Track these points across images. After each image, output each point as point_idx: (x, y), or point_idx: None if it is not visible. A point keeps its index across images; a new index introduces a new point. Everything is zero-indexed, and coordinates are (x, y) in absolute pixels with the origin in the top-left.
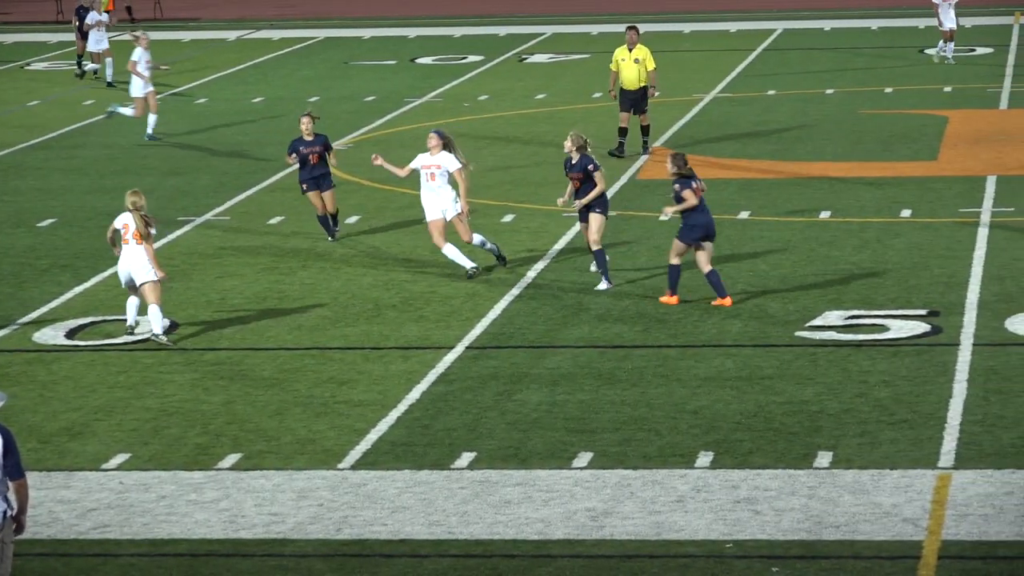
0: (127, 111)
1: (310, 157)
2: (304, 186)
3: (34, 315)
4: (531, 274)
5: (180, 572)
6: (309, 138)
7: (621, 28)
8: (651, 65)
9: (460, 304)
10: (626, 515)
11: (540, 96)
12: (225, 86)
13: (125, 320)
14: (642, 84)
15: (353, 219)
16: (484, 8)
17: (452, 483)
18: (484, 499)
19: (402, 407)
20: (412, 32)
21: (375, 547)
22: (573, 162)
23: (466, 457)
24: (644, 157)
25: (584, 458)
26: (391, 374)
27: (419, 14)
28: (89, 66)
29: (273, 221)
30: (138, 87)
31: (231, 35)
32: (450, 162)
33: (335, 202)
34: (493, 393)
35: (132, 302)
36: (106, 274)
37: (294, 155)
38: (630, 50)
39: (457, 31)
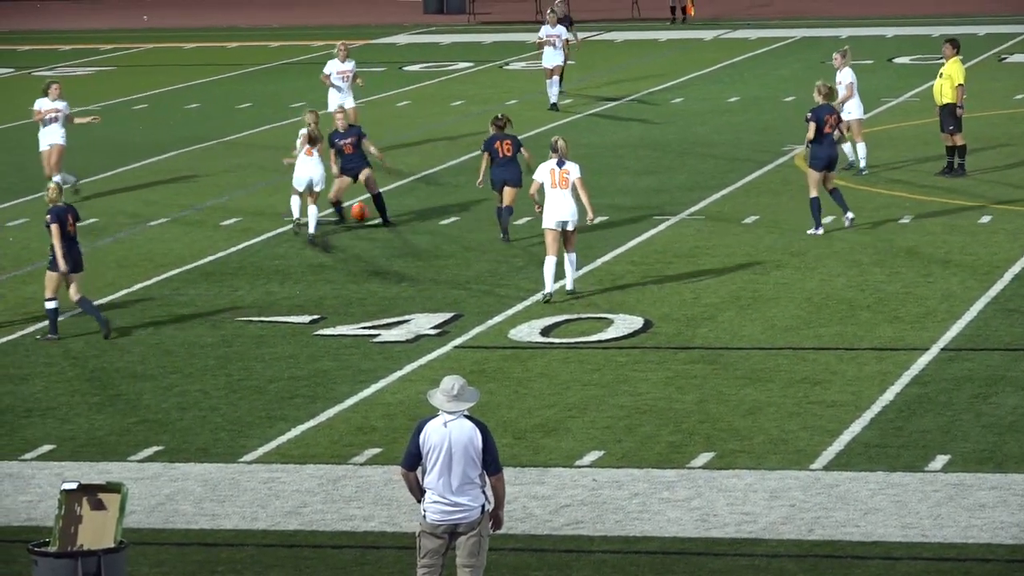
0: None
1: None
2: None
3: (510, 312)
4: (1007, 276)
5: (652, 570)
6: None
7: None
8: (957, 80)
9: (935, 305)
10: None
11: (1018, 96)
12: (701, 85)
13: (597, 318)
14: (945, 101)
15: (828, 219)
16: (964, 7)
17: (926, 485)
18: (958, 502)
19: (876, 408)
20: (890, 32)
21: (847, 549)
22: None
23: (940, 460)
24: None
25: None
26: (865, 375)
27: (897, 13)
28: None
29: (748, 220)
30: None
31: (708, 35)
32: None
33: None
34: (968, 396)
35: (297, 201)
36: (581, 272)
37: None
38: (944, 64)
39: (935, 31)
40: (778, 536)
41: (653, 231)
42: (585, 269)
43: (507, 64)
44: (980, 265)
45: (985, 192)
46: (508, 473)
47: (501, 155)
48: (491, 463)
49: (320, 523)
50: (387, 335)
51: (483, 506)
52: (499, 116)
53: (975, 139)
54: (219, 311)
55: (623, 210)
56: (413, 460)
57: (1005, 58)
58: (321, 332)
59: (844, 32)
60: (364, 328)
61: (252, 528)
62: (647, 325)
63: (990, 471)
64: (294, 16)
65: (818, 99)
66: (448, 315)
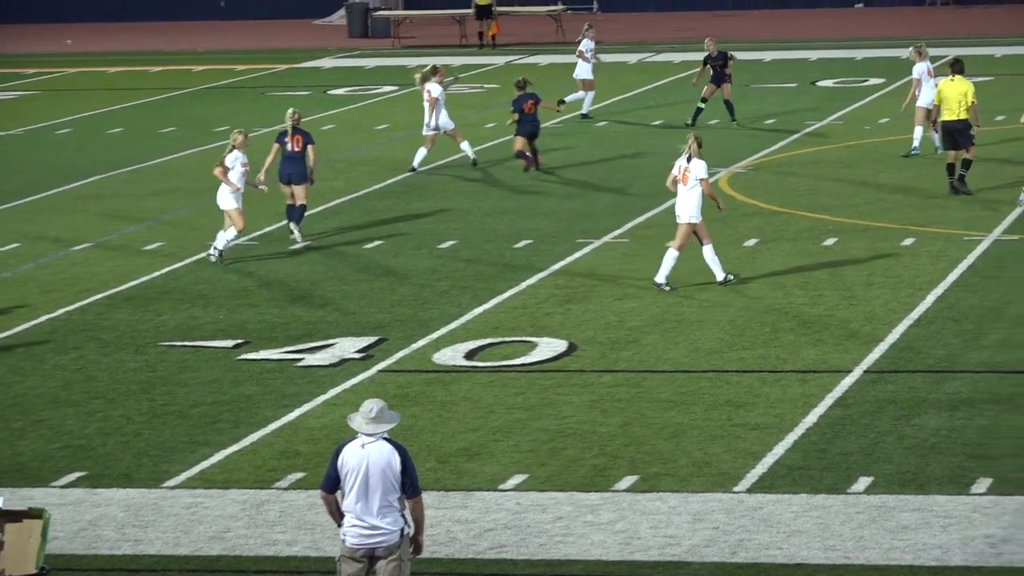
0: None
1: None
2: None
3: (434, 336)
4: (930, 298)
5: None
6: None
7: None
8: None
9: (858, 327)
10: None
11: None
12: (626, 109)
13: (521, 341)
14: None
15: (751, 242)
16: (887, 31)
17: (849, 507)
18: (881, 524)
19: (799, 431)
20: (813, 55)
21: (771, 571)
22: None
23: (863, 482)
24: None
25: (983, 484)
26: (788, 397)
27: (821, 36)
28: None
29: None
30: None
31: (632, 58)
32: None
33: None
34: (891, 417)
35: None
36: (504, 296)
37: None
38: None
39: (859, 54)
40: (701, 559)
41: (578, 254)
42: (508, 292)
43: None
44: (903, 287)
45: (908, 215)
46: (432, 497)
47: (527, 112)
48: (410, 486)
49: (243, 548)
50: (311, 359)
51: (402, 530)
52: (521, 79)
53: (899, 162)
54: (142, 336)
55: (548, 233)
56: (332, 483)
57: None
58: (245, 356)
59: (768, 55)
60: (288, 352)
61: (175, 553)
62: (571, 348)
63: (913, 493)
64: (218, 40)
65: None
66: (372, 339)
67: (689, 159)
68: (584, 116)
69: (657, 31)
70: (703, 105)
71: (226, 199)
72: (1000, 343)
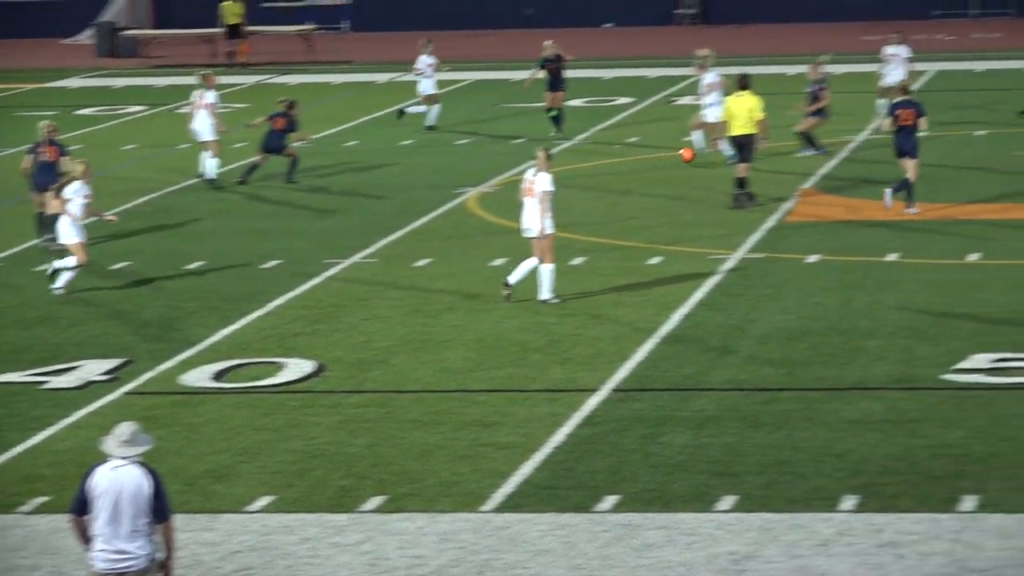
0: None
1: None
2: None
3: (181, 357)
4: (676, 317)
5: None
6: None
7: (766, 70)
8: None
9: (606, 346)
10: (769, 559)
11: (686, 138)
12: (374, 129)
13: (269, 362)
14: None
15: (500, 261)
16: (635, 50)
17: (595, 526)
18: (627, 542)
19: (546, 449)
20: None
21: None
22: None
23: (609, 500)
24: (792, 200)
25: (728, 501)
26: (536, 417)
27: (569, 56)
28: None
29: (420, 263)
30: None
31: (382, 77)
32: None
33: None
34: (637, 436)
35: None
36: (253, 317)
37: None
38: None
39: (607, 73)
40: None
41: (326, 274)
42: (256, 313)
43: (180, 108)
44: (650, 305)
45: (656, 233)
46: (178, 519)
47: (275, 127)
48: (161, 510)
49: None
50: (56, 381)
51: (151, 554)
52: (287, 100)
53: (648, 180)
54: None
55: (297, 253)
56: (81, 506)
57: (674, 100)
58: None
59: (517, 75)
60: (32, 375)
61: None
62: (319, 369)
63: (658, 510)
64: None
65: (898, 95)
66: (119, 361)
67: (537, 172)
68: (429, 128)
69: (408, 51)
70: (555, 113)
71: (67, 233)
72: (745, 360)
